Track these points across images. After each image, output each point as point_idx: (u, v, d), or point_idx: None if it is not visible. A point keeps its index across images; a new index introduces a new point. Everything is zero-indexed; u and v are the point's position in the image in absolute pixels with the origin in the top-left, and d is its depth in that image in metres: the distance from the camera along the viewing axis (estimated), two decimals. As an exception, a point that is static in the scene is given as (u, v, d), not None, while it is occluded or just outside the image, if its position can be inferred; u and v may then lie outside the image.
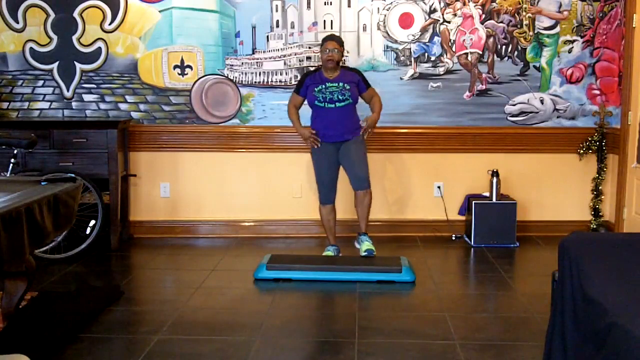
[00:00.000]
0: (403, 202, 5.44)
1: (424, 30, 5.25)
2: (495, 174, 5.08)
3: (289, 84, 5.26)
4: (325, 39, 4.56)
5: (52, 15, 5.19)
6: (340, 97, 4.49)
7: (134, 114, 5.30)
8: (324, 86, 4.50)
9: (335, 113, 4.52)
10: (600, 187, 5.33)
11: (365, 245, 4.63)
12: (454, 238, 5.31)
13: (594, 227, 5.33)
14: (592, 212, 5.36)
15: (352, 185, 4.67)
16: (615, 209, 5.24)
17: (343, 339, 3.26)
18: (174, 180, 5.39)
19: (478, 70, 5.28)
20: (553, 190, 5.42)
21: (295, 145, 5.29)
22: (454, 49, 5.26)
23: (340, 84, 4.49)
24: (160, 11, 5.20)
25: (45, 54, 5.24)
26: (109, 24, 5.20)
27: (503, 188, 5.20)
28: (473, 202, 5.10)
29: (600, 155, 5.26)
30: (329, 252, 4.66)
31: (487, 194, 5.18)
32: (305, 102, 4.66)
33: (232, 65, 5.26)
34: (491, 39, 5.25)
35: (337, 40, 4.53)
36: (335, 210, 4.73)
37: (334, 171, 4.64)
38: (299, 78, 4.89)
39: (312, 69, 5.19)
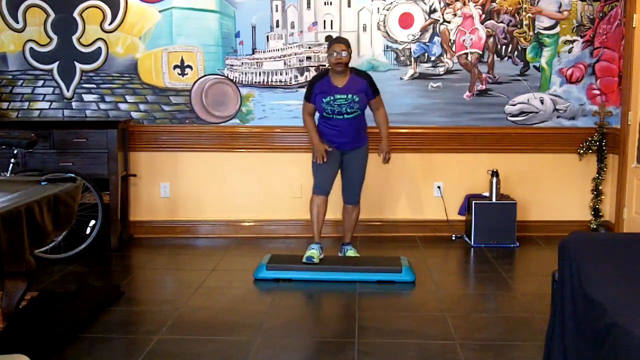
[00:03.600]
0: (403, 202, 5.44)
1: (424, 30, 5.25)
2: (495, 174, 5.08)
3: (289, 84, 5.27)
4: (331, 42, 4.37)
5: (52, 15, 5.19)
6: (348, 110, 4.36)
7: (134, 114, 5.30)
8: (332, 98, 4.33)
9: (344, 124, 4.42)
10: (600, 187, 5.33)
11: (349, 253, 4.63)
12: (454, 238, 5.31)
13: (594, 227, 5.33)
14: (592, 212, 5.36)
15: (343, 197, 4.67)
16: (615, 209, 5.24)
17: (343, 339, 3.26)
18: (174, 180, 5.39)
19: (478, 70, 5.28)
20: (553, 190, 5.42)
21: (295, 145, 5.29)
22: (454, 49, 5.26)
23: (349, 96, 4.33)
24: (160, 11, 5.20)
25: (45, 54, 5.24)
26: (109, 24, 5.20)
27: (503, 188, 5.20)
28: (473, 202, 5.10)
29: (600, 155, 5.26)
30: (313, 250, 4.37)
31: (487, 194, 5.18)
32: None
33: (232, 65, 5.26)
34: (491, 39, 5.25)
35: (344, 42, 4.34)
36: (327, 205, 4.53)
37: (335, 163, 4.51)
38: (307, 84, 4.64)
39: (313, 71, 5.20)
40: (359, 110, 4.43)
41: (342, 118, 4.41)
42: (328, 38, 5.20)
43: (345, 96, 4.34)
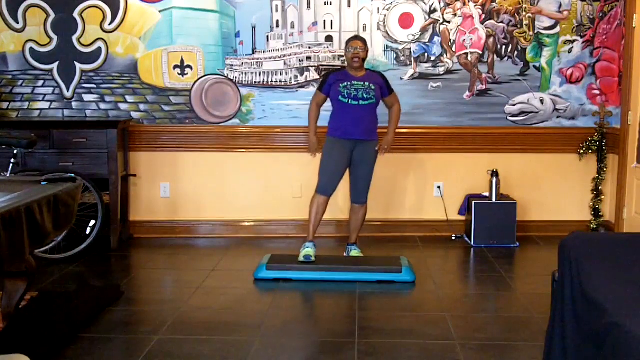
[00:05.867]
0: (403, 202, 5.44)
1: (424, 30, 5.25)
2: (495, 174, 5.08)
3: (289, 84, 5.27)
4: (349, 40, 4.53)
5: (52, 15, 5.19)
6: (365, 96, 4.45)
7: (134, 114, 5.30)
8: (349, 83, 4.46)
9: (358, 110, 4.46)
10: (600, 187, 5.33)
11: (353, 253, 4.63)
12: (454, 238, 5.31)
13: (594, 227, 5.33)
14: (592, 212, 5.37)
15: (351, 196, 4.68)
16: (615, 209, 5.24)
17: (343, 339, 3.26)
18: (174, 180, 5.39)
19: (478, 70, 5.28)
20: (553, 190, 5.42)
21: (295, 145, 5.29)
22: (454, 49, 5.26)
23: (366, 83, 4.47)
24: (160, 11, 5.20)
25: (45, 54, 5.24)
26: (109, 24, 5.20)
27: (503, 188, 5.20)
28: (473, 202, 5.10)
29: (600, 155, 5.27)
30: (308, 248, 4.38)
31: (487, 194, 5.18)
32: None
33: (232, 65, 5.26)
34: (491, 39, 5.25)
35: (361, 39, 4.51)
36: (327, 206, 4.54)
37: (343, 165, 4.53)
38: (322, 76, 4.76)
39: (313, 71, 5.21)
40: (374, 99, 4.49)
41: (358, 104, 4.46)
42: (329, 38, 5.22)
43: (362, 82, 4.47)
